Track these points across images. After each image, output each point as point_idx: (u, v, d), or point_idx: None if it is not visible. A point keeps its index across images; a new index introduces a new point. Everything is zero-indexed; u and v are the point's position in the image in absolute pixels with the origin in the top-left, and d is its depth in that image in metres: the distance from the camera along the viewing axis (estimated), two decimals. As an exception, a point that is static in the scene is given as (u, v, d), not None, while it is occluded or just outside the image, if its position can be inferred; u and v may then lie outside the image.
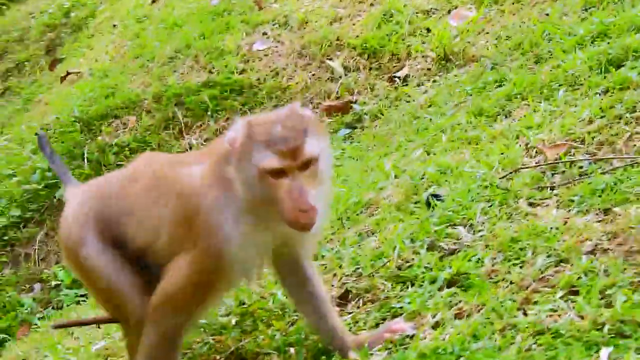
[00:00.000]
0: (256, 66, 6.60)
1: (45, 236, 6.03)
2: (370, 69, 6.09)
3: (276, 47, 6.53)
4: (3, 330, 5.24)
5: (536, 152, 3.90)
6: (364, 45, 6.20)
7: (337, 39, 6.23)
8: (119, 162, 6.17)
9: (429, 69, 5.84)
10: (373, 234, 3.81)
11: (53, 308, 5.46)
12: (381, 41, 6.20)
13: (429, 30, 6.02)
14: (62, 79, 7.95)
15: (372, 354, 2.93)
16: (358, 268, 3.52)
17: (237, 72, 6.59)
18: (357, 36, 6.20)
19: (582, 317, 2.73)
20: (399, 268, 3.40)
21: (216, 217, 2.65)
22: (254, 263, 2.76)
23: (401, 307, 3.14)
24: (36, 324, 5.19)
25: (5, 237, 6.16)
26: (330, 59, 6.21)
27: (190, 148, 6.16)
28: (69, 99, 7.01)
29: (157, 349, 2.77)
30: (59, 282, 5.49)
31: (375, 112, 5.72)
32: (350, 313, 3.28)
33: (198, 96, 6.41)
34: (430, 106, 5.33)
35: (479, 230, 3.46)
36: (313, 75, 6.20)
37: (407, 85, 5.81)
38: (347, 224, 4.02)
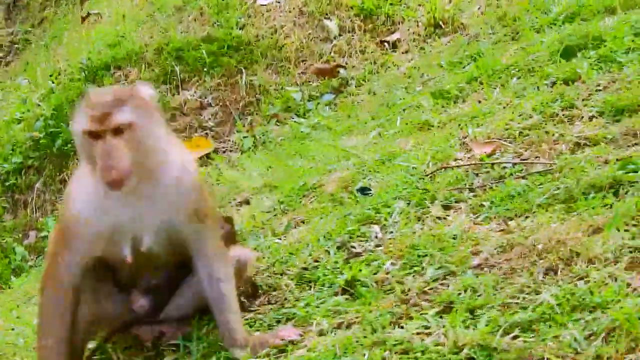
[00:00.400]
0: (257, 22, 6.65)
1: (43, 185, 6.32)
2: (365, 31, 6.07)
3: (279, 2, 6.55)
4: (-4, 277, 5.58)
5: (468, 149, 3.91)
6: (362, 5, 6.16)
7: (337, -1, 6.22)
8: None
9: (419, 35, 5.80)
10: (303, 223, 3.91)
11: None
12: (378, 2, 6.15)
13: (426, -7, 5.96)
14: (83, 19, 8.08)
15: (254, 358, 3.06)
16: (274, 263, 3.62)
17: (237, 27, 6.65)
18: (357, -4, 6.16)
19: (446, 338, 2.78)
20: (306, 268, 3.47)
21: (73, 184, 3.09)
22: (107, 228, 3.01)
23: (294, 312, 3.22)
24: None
25: (7, 183, 6.46)
26: (328, 19, 6.21)
27: (185, 104, 6.30)
28: (83, 44, 7.20)
29: (43, 314, 3.07)
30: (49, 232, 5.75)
31: (361, 78, 5.74)
32: (253, 310, 3.39)
33: (197, 51, 6.52)
34: (409, 77, 5.32)
35: (390, 232, 3.52)
36: (309, 34, 6.22)
37: (395, 50, 5.79)
38: (286, 210, 4.11)
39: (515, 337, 2.57)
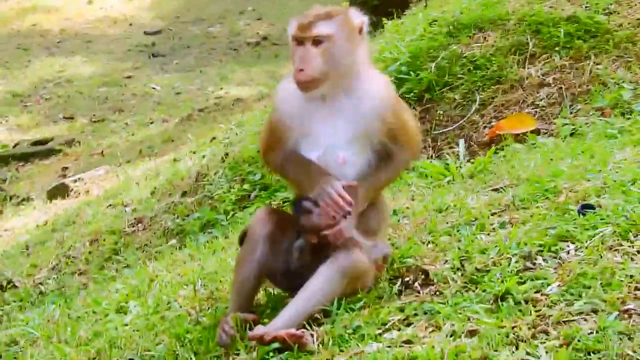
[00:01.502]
0: (624, 11, 6.47)
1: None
2: None
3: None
4: None
5: None
6: None
7: None
8: (460, 75, 6.72)
9: None
10: (514, 224, 4.01)
11: None
12: None
13: None
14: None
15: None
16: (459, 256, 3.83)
17: (603, 13, 6.53)
18: None
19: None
20: (479, 270, 3.67)
21: (280, 87, 3.72)
22: (303, 132, 3.59)
23: (432, 308, 3.49)
24: None
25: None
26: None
27: (526, 79, 6.44)
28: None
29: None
30: None
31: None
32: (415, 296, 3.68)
33: (556, 29, 6.57)
34: None
35: (578, 255, 3.56)
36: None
37: None
38: (519, 207, 4.23)
39: None
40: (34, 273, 7.37)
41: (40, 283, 7.09)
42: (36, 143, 13.33)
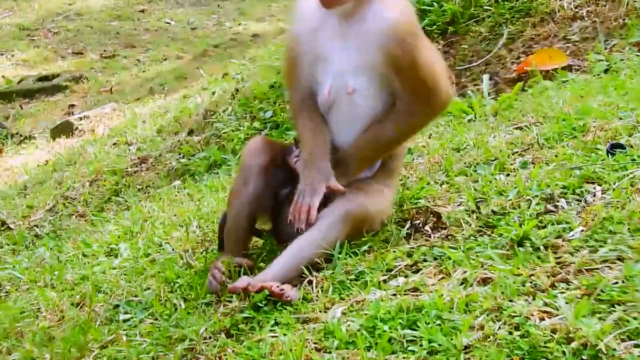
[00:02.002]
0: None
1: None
2: None
3: None
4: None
5: None
6: None
7: None
8: (487, 6, 6.46)
9: None
10: (535, 164, 3.83)
11: None
12: None
13: None
14: None
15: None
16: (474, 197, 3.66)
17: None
18: None
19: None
20: (495, 212, 3.49)
21: (299, 3, 3.62)
22: (316, 51, 3.50)
23: (441, 252, 3.32)
24: None
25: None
26: None
27: (558, 11, 6.18)
28: None
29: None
30: None
31: None
32: (424, 240, 3.53)
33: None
34: None
35: (603, 198, 3.37)
36: None
37: None
38: (543, 145, 4.04)
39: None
40: (30, 215, 7.29)
41: (36, 225, 6.99)
42: (42, 79, 13.15)
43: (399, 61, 3.38)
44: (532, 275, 2.98)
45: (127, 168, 7.62)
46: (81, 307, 3.76)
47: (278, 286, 3.23)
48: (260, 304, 3.21)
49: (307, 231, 3.37)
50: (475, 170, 3.90)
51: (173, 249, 4.06)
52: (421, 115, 3.51)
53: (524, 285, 2.93)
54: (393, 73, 3.40)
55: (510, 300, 2.87)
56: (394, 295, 3.09)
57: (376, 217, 3.54)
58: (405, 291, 3.11)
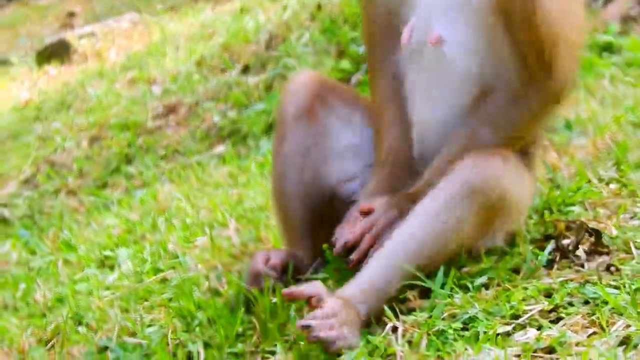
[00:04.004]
0: None
1: None
2: None
3: None
4: None
5: None
6: None
7: None
8: None
9: None
10: None
11: None
12: None
13: None
14: None
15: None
16: None
17: None
18: None
19: None
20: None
21: None
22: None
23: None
24: None
25: None
26: None
27: None
28: None
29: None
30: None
31: None
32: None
33: None
34: None
35: None
36: None
37: None
38: None
39: None
40: (-4, 187, 7.48)
41: (4, 204, 7.17)
42: (26, -33, 13.41)
43: (510, 10, 3.51)
44: None
45: (146, 121, 7.78)
46: (52, 347, 3.91)
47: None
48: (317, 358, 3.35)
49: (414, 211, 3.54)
50: (667, 162, 3.97)
51: (196, 265, 4.21)
52: (533, 103, 3.60)
53: None
54: (502, 24, 3.53)
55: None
56: (518, 357, 3.18)
57: (513, 204, 3.63)
58: (535, 351, 3.20)
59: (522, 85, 3.57)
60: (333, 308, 3.35)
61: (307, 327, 3.31)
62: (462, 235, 3.54)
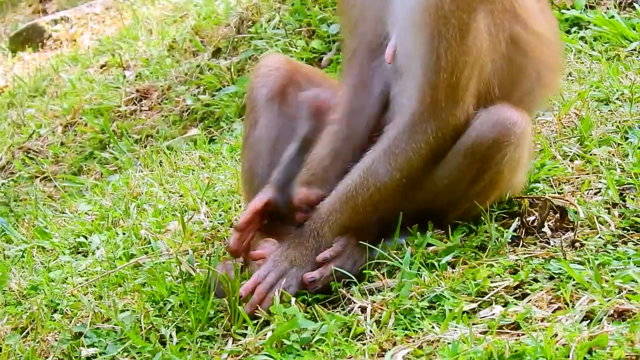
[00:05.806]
0: None
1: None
2: None
3: None
4: None
5: None
6: None
7: None
8: None
9: None
10: None
11: None
12: None
13: None
14: None
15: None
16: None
17: None
18: None
19: None
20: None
21: None
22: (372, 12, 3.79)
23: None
24: None
25: None
26: None
27: None
28: None
29: None
30: None
31: None
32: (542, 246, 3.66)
33: None
34: None
35: None
36: None
37: None
38: None
39: None
40: (-30, 173, 7.48)
41: (-23, 192, 7.19)
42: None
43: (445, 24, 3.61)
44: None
45: (119, 106, 7.78)
46: (27, 333, 3.94)
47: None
48: (286, 340, 3.38)
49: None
50: (627, 139, 3.97)
51: (167, 249, 4.24)
52: (426, 132, 3.67)
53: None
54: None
55: (659, 350, 2.97)
56: (484, 333, 3.21)
57: (516, 149, 3.65)
58: (501, 327, 3.23)
59: (423, 109, 3.67)
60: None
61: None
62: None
